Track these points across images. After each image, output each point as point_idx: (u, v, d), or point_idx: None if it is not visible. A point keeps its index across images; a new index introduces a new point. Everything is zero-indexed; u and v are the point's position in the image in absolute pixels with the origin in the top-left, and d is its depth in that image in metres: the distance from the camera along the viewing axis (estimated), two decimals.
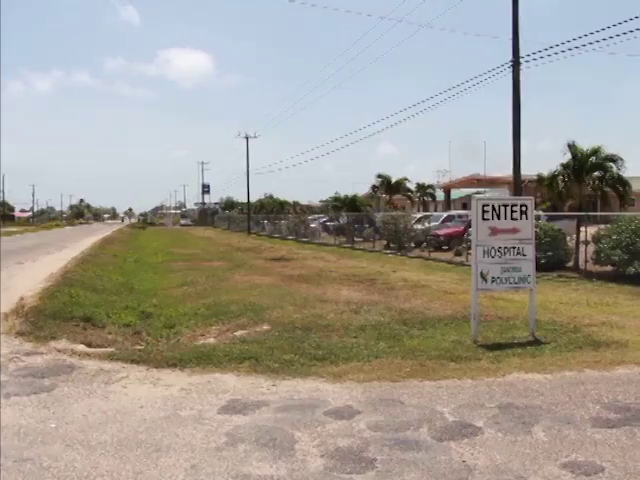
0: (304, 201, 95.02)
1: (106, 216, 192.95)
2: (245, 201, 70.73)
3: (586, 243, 19.01)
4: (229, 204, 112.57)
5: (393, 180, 60.49)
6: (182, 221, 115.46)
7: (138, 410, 6.16)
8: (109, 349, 8.90)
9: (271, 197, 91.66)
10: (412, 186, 67.66)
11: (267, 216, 65.47)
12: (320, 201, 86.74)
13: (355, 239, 35.89)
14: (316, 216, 53.19)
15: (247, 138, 65.28)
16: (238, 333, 9.90)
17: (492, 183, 61.11)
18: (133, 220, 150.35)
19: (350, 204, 46.82)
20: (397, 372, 7.47)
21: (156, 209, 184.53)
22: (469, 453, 5.03)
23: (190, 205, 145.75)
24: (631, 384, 7.00)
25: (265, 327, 10.29)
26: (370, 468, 4.74)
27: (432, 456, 4.96)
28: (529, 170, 26.62)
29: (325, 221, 47.36)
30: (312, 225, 46.74)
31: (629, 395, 6.59)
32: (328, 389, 6.84)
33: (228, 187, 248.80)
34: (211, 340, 9.49)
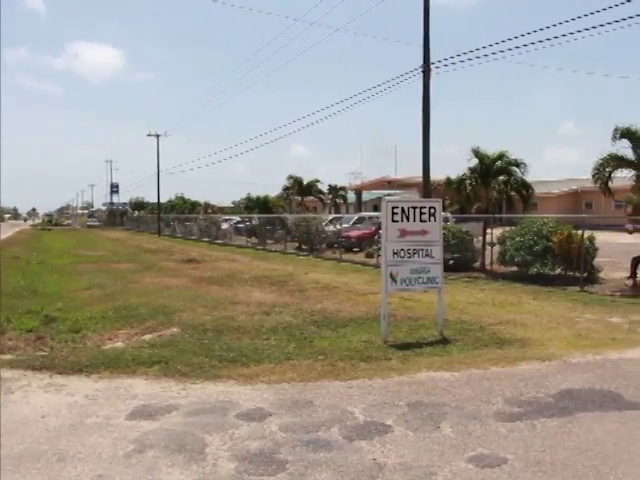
0: (216, 202, 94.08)
1: (7, 216, 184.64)
2: (156, 201, 69.31)
3: (492, 244, 19.66)
4: (139, 205, 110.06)
5: (305, 182, 60.74)
6: (89, 222, 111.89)
7: (40, 420, 5.91)
8: (9, 356, 8.51)
9: (182, 198, 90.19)
10: (324, 188, 68.23)
11: (178, 217, 64.40)
12: (232, 202, 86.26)
13: (267, 241, 35.82)
14: (228, 217, 52.73)
15: (158, 137, 63.97)
16: (147, 336, 9.69)
17: (403, 185, 62.44)
18: (37, 221, 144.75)
19: (262, 205, 46.68)
20: (308, 373, 7.50)
21: (62, 209, 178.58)
22: (380, 451, 5.10)
23: (98, 205, 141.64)
24: (532, 379, 7.29)
25: (175, 330, 10.12)
26: (281, 470, 4.74)
27: (343, 456, 5.00)
28: (439, 173, 27.34)
29: (237, 222, 47.02)
30: (224, 227, 46.32)
31: (531, 389, 6.87)
32: (239, 391, 6.79)
33: (138, 187, 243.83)
34: (119, 344, 9.24)
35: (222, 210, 77.61)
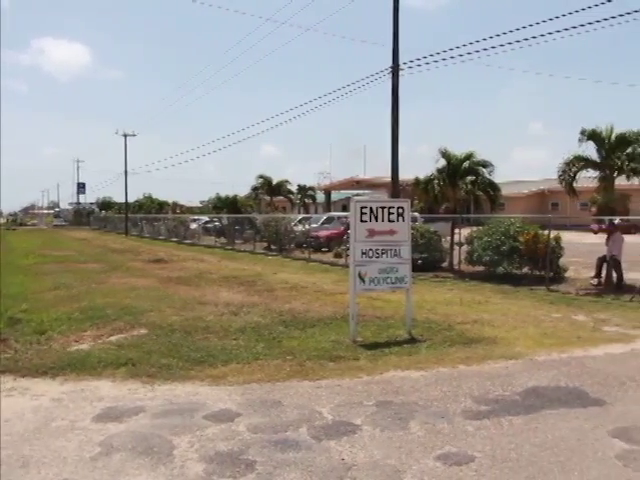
0: (184, 202, 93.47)
1: None
2: (123, 201, 68.57)
3: (460, 244, 19.83)
4: (106, 204, 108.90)
5: (274, 182, 60.62)
6: (56, 221, 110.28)
7: (4, 424, 5.80)
8: None
9: (150, 197, 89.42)
10: (293, 188, 68.18)
11: (146, 217, 63.79)
12: (201, 202, 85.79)
13: (236, 241, 35.66)
14: (196, 217, 52.40)
15: (125, 136, 63.23)
16: (114, 338, 9.58)
17: (372, 185, 62.66)
18: (1, 220, 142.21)
19: (231, 205, 46.50)
20: (277, 373, 7.49)
21: (27, 209, 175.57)
22: (348, 451, 5.11)
23: (64, 205, 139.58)
24: (500, 377, 7.37)
25: (142, 331, 10.02)
26: (250, 470, 4.72)
27: (312, 455, 5.00)
28: (409, 173, 27.51)
29: (206, 222, 46.76)
30: (192, 226, 46.02)
31: (498, 388, 6.94)
32: (207, 392, 6.76)
33: (105, 187, 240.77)
34: (85, 346, 9.11)
35: (191, 210, 77.18)
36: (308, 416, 5.98)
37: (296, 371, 7.59)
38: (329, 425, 5.74)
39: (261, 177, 60.18)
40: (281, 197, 63.48)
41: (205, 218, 49.42)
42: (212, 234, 41.09)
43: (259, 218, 35.80)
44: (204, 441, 5.30)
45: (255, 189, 61.40)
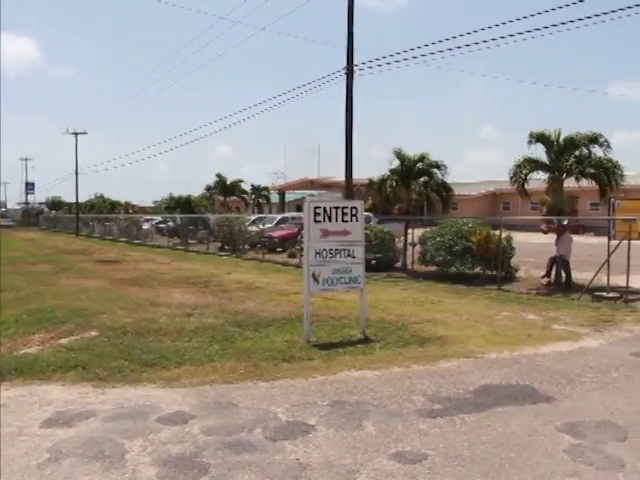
0: (137, 202, 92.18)
1: None
2: (74, 201, 67.27)
3: (413, 245, 20.02)
4: (56, 204, 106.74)
5: (228, 181, 60.25)
6: (3, 222, 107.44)
7: None
8: None
9: (102, 197, 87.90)
10: (247, 188, 67.89)
11: (97, 217, 62.72)
12: (154, 202, 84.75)
13: (189, 241, 35.36)
14: (149, 217, 51.75)
15: (76, 134, 61.96)
16: (64, 340, 9.39)
17: (326, 186, 62.79)
18: None
19: (184, 205, 46.02)
20: (231, 374, 7.44)
21: None
22: (302, 451, 5.10)
23: (12, 205, 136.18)
24: (452, 376, 7.46)
25: (93, 333, 9.85)
26: (204, 473, 4.67)
27: (266, 457, 4.98)
28: (363, 173, 27.63)
29: (158, 222, 46.23)
30: (145, 227, 45.47)
31: (450, 386, 7.02)
32: (160, 395, 6.67)
33: (55, 186, 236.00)
34: (33, 349, 8.91)
35: (143, 210, 76.14)
36: (263, 417, 5.95)
37: (250, 372, 7.55)
38: (283, 426, 5.73)
39: (218, 176, 59.79)
40: (235, 197, 63.12)
41: (158, 218, 48.85)
42: (165, 234, 40.63)
43: (213, 218, 35.56)
44: (157, 444, 5.23)
45: (209, 189, 60.98)
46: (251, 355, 8.34)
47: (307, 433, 5.53)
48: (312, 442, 5.31)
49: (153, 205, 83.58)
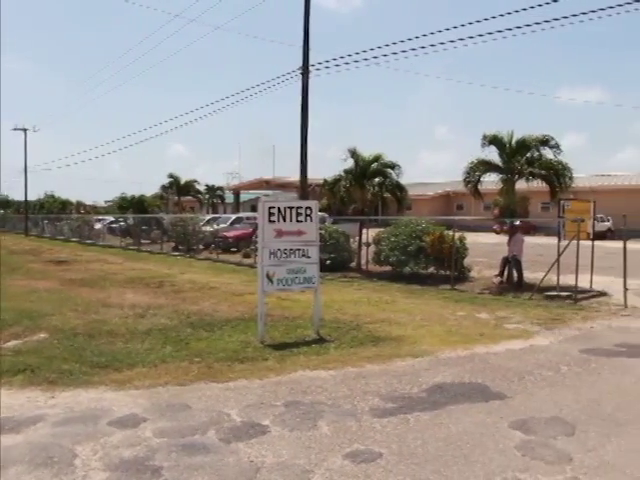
0: (89, 201, 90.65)
1: None
2: (22, 200, 65.76)
3: (367, 245, 20.11)
4: (4, 203, 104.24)
5: (183, 181, 59.79)
6: None
7: None
8: None
9: (52, 196, 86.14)
10: (202, 188, 67.49)
11: (47, 216, 61.41)
12: (106, 202, 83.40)
13: (142, 241, 34.90)
14: (101, 217, 50.95)
15: (25, 132, 60.56)
16: (11, 343, 9.16)
17: (281, 186, 62.73)
18: None
19: (137, 205, 45.51)
20: (184, 376, 7.36)
21: None
22: (257, 452, 5.07)
23: None
24: (406, 375, 7.51)
25: (42, 335, 9.64)
26: (156, 477, 4.60)
27: (220, 458, 4.93)
28: (319, 174, 27.69)
29: (111, 222, 45.55)
30: (97, 226, 44.75)
31: (404, 385, 7.07)
32: (112, 398, 6.55)
33: (3, 185, 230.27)
34: None
35: (96, 210, 74.96)
36: (216, 418, 5.90)
37: (204, 373, 7.48)
38: (238, 427, 5.69)
39: (171, 176, 59.26)
40: (189, 197, 62.67)
41: (110, 218, 48.13)
42: (118, 234, 40.03)
43: (166, 218, 35.18)
44: (108, 448, 5.13)
45: (163, 188, 60.43)
46: (205, 356, 8.26)
47: (261, 434, 5.50)
48: (266, 443, 5.29)
49: (105, 205, 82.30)
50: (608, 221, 42.44)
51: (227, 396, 6.62)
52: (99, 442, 5.27)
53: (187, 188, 60.85)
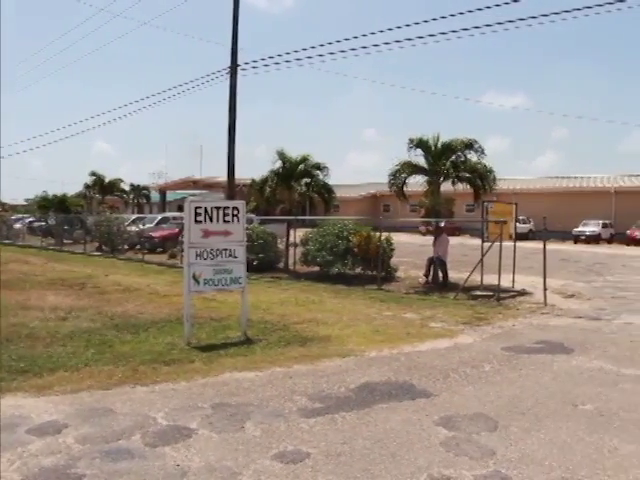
0: (8, 200, 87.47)
1: None
2: None
3: (295, 245, 20.14)
4: None
5: (107, 180, 58.42)
6: None
7: None
8: None
9: None
10: (127, 187, 66.12)
11: None
12: (26, 200, 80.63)
13: (65, 241, 33.93)
14: (21, 216, 49.20)
15: None
16: None
17: (209, 186, 62.15)
18: None
19: (60, 204, 44.13)
20: (108, 380, 7.17)
21: None
22: (183, 456, 4.99)
23: None
24: (333, 375, 7.55)
25: None
26: None
27: (145, 463, 4.83)
28: (247, 174, 27.55)
29: (31, 222, 44.05)
30: (16, 226, 43.19)
31: (332, 385, 7.10)
32: (31, 404, 6.31)
33: None
34: None
35: (15, 208, 72.37)
36: (142, 422, 5.77)
37: (129, 376, 7.31)
38: (164, 431, 5.58)
39: (93, 174, 57.81)
40: (114, 196, 61.30)
41: (31, 217, 46.53)
42: (39, 234, 38.74)
43: (90, 218, 34.29)
44: (27, 457, 4.94)
45: (87, 187, 58.90)
46: (130, 359, 8.08)
47: (188, 437, 5.42)
48: (193, 446, 5.21)
49: (26, 203, 79.59)
50: (529, 223, 43.87)
51: (153, 399, 6.50)
52: (16, 451, 5.05)
53: (111, 187, 59.47)
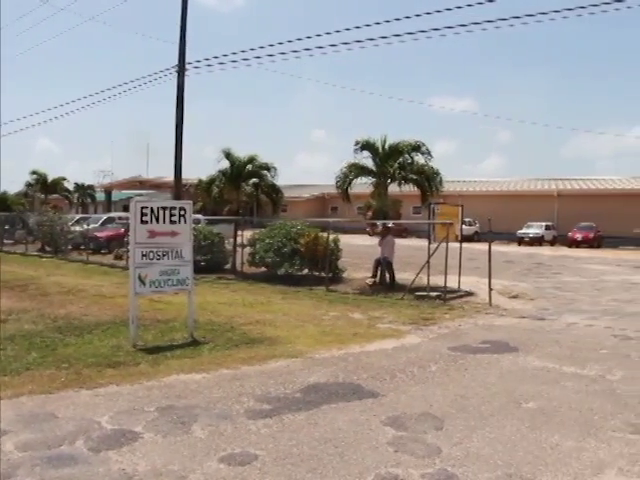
0: None
1: None
2: None
3: (242, 246, 20.03)
4: None
5: (50, 179, 57.08)
6: None
7: None
8: None
9: None
10: (71, 186, 64.78)
11: None
12: None
13: (5, 241, 33.00)
14: None
15: None
16: None
17: (155, 186, 61.38)
18: None
19: (0, 203, 42.92)
20: (51, 383, 7.00)
21: None
22: (129, 460, 4.90)
23: None
24: (281, 376, 7.54)
25: None
26: None
27: (89, 469, 4.72)
28: (195, 174, 27.30)
29: None
30: None
31: (279, 386, 7.09)
32: None
33: None
34: None
35: None
36: (85, 427, 5.65)
37: (72, 380, 7.15)
38: (108, 435, 5.48)
39: (34, 173, 56.42)
40: (57, 195, 59.91)
41: None
42: None
43: (32, 217, 33.42)
44: None
45: (28, 186, 57.43)
46: (73, 362, 7.90)
47: (133, 441, 5.33)
48: (139, 450, 5.13)
49: None
50: (475, 225, 44.63)
51: (97, 403, 6.37)
52: None
53: (55, 186, 58.11)
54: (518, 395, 6.96)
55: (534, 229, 43.90)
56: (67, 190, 62.48)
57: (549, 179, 52.91)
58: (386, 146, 17.82)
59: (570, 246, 40.38)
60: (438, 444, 5.36)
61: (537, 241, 42.76)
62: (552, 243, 43.58)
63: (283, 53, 20.32)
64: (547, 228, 44.18)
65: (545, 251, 36.23)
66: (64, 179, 60.00)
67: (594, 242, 40.70)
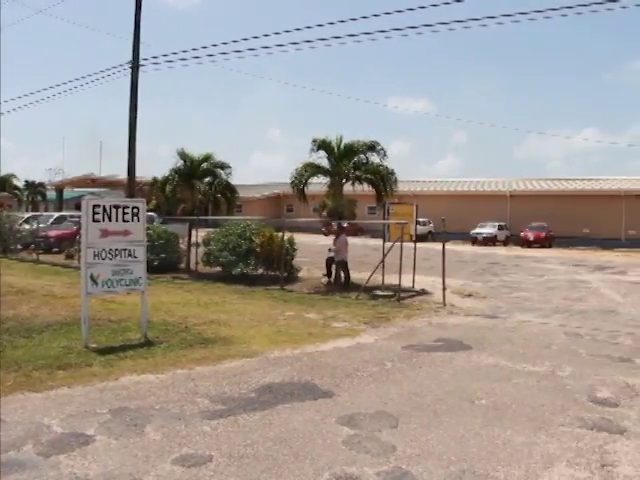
0: None
1: None
2: None
3: (197, 246, 19.86)
4: None
5: None
6: None
7: None
8: None
9: None
10: (21, 183, 63.41)
11: None
12: None
13: None
14: None
15: None
16: None
17: (109, 184, 60.44)
18: None
19: None
20: None
21: None
22: (80, 464, 4.81)
23: None
24: (236, 376, 7.50)
25: None
26: None
27: (38, 474, 4.62)
28: (150, 173, 26.94)
29: None
30: None
31: (234, 386, 7.05)
32: None
33: None
34: None
35: None
36: (35, 431, 5.52)
37: (21, 383, 6.98)
38: (59, 438, 5.37)
39: None
40: (7, 193, 58.60)
41: None
42: None
43: None
44: None
45: None
46: (22, 364, 7.71)
47: (85, 444, 5.23)
48: (90, 453, 5.04)
49: None
50: (429, 224, 45.11)
51: (47, 406, 6.24)
52: None
53: (3, 183, 56.91)
54: (471, 392, 7.06)
55: (487, 229, 44.57)
56: (17, 188, 61.17)
57: (503, 180, 53.79)
58: (342, 146, 17.90)
59: (523, 246, 41.15)
60: (393, 442, 5.41)
61: (490, 241, 43.43)
62: (505, 243, 44.35)
63: (239, 51, 20.38)
64: (500, 228, 44.91)
65: (498, 251, 36.84)
66: (13, 176, 58.75)
67: (546, 242, 41.60)
